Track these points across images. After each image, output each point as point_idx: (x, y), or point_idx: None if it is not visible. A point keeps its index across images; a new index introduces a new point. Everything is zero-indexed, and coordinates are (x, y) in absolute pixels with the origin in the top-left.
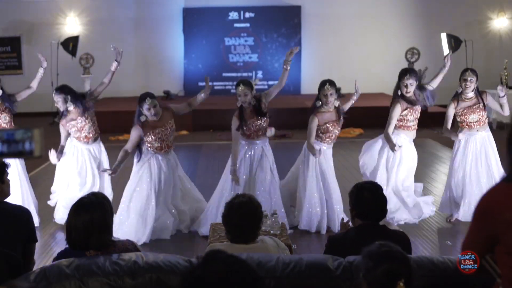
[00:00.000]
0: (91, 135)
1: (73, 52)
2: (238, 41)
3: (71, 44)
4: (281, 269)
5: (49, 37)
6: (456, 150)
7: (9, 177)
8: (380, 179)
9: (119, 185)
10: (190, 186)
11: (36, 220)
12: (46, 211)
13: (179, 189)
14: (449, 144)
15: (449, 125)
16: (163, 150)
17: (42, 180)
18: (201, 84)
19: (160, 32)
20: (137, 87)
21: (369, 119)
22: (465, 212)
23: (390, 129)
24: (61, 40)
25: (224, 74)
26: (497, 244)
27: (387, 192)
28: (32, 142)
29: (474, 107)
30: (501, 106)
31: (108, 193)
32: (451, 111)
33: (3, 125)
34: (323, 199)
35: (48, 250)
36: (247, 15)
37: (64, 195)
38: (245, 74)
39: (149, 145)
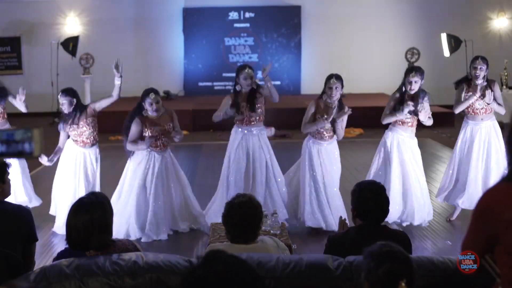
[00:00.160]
0: (89, 141)
1: (73, 52)
2: (238, 41)
3: (71, 44)
4: (281, 269)
5: (49, 37)
6: (461, 139)
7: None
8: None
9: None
10: (190, 195)
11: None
12: (46, 211)
13: (178, 189)
14: (449, 144)
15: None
16: (158, 147)
17: (42, 180)
18: (201, 84)
19: (160, 32)
20: (137, 87)
21: (369, 119)
22: (468, 201)
23: (384, 113)
24: (61, 40)
25: (224, 74)
26: (497, 244)
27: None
28: (32, 142)
29: (482, 94)
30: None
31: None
32: (463, 94)
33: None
34: (322, 195)
35: (48, 250)
36: (247, 15)
37: (60, 203)
38: None
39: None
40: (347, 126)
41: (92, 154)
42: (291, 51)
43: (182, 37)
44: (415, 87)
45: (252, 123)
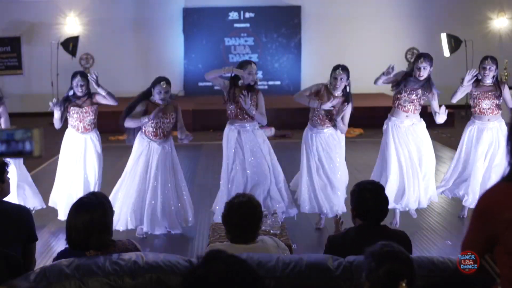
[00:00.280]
0: (90, 127)
1: (73, 52)
2: (238, 41)
3: (71, 44)
4: (281, 269)
5: (49, 37)
6: (467, 138)
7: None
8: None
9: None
10: (183, 195)
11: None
12: (46, 211)
13: (172, 185)
14: (449, 144)
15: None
16: (157, 136)
17: (42, 180)
18: (201, 84)
19: (160, 32)
20: (137, 87)
21: (369, 119)
22: (473, 200)
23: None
24: (61, 40)
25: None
26: (497, 244)
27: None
28: (31, 142)
29: (489, 93)
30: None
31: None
32: (467, 88)
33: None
34: (319, 182)
35: (48, 250)
36: (247, 15)
37: (62, 190)
38: None
39: (144, 128)
40: (348, 126)
41: (93, 137)
42: (291, 51)
43: (182, 37)
44: (424, 73)
45: (246, 119)
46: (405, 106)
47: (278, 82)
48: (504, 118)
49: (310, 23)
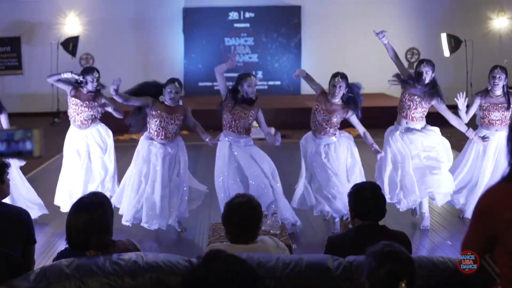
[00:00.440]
0: (86, 121)
1: (73, 52)
2: (238, 41)
3: (71, 44)
4: (281, 269)
5: (49, 37)
6: (475, 147)
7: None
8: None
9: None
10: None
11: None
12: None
13: (174, 187)
14: (450, 144)
15: (469, 112)
16: (159, 136)
17: (42, 180)
18: (201, 84)
19: (160, 32)
20: None
21: (369, 119)
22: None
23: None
24: (61, 40)
25: (224, 74)
26: (497, 244)
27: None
28: (31, 142)
29: (499, 105)
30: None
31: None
32: (477, 101)
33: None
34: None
35: (48, 250)
36: (247, 15)
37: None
38: None
39: (148, 125)
40: (347, 126)
41: (94, 132)
42: (291, 51)
43: (182, 37)
44: (426, 77)
45: (239, 133)
46: (403, 112)
47: (278, 82)
48: None
49: (310, 23)
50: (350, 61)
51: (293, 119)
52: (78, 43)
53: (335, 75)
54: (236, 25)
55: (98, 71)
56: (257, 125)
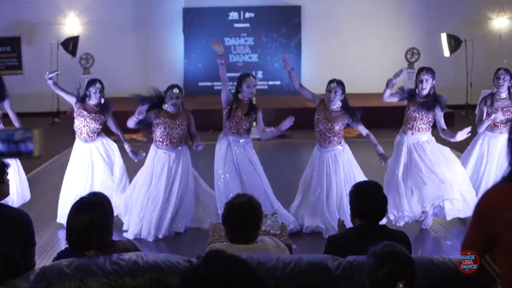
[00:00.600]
0: (92, 134)
1: (73, 52)
2: (238, 41)
3: (71, 44)
4: (281, 269)
5: (49, 37)
6: (479, 150)
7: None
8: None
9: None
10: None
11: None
12: (46, 211)
13: (179, 193)
14: (450, 145)
15: (482, 125)
16: (164, 143)
17: (42, 180)
18: (201, 84)
19: (160, 32)
20: (137, 87)
21: (369, 119)
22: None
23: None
24: (61, 40)
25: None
26: (497, 244)
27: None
28: (31, 142)
29: (505, 109)
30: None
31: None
32: (483, 107)
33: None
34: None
35: (48, 250)
36: (247, 15)
37: (65, 195)
38: None
39: (154, 134)
40: (347, 126)
41: (99, 146)
42: (291, 51)
43: (182, 37)
44: (426, 86)
45: (240, 134)
46: (409, 123)
47: (278, 82)
48: None
49: (310, 23)
50: (350, 61)
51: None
52: (78, 43)
53: (330, 81)
54: (236, 25)
55: (101, 83)
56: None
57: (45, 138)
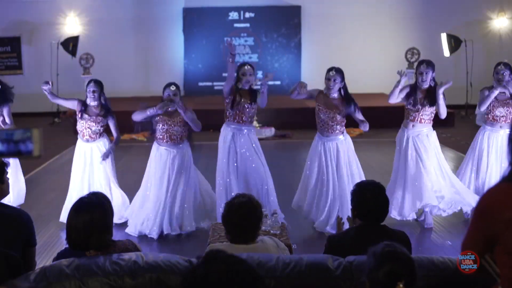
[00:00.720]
0: (94, 135)
1: (73, 52)
2: (238, 41)
3: (71, 44)
4: (281, 269)
5: (49, 37)
6: (479, 145)
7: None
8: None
9: (121, 184)
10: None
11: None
12: (46, 211)
13: (181, 190)
14: (450, 144)
15: (485, 102)
16: (164, 140)
17: (42, 180)
18: (201, 84)
19: (160, 32)
20: (137, 87)
21: (369, 119)
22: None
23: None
24: (61, 40)
25: (224, 74)
26: (497, 244)
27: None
28: (31, 142)
29: (504, 101)
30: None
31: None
32: (485, 91)
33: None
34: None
35: (48, 250)
36: (247, 15)
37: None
38: None
39: (156, 133)
40: (347, 126)
41: (100, 145)
42: (291, 51)
43: (182, 37)
44: (426, 78)
45: (244, 122)
46: (411, 115)
47: (278, 82)
48: None
49: (310, 23)
50: (350, 61)
51: (293, 119)
52: (78, 43)
53: (329, 69)
54: (236, 25)
55: (97, 82)
56: (258, 125)
57: (45, 138)
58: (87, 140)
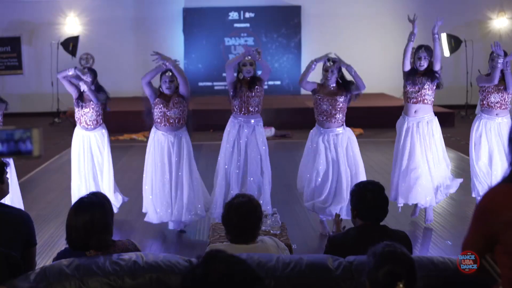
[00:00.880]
0: (90, 123)
1: (73, 52)
2: (238, 41)
3: (71, 44)
4: (281, 269)
5: (49, 37)
6: (474, 134)
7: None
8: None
9: (121, 184)
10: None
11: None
12: (46, 211)
13: (180, 178)
14: (450, 144)
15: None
16: (162, 123)
17: (42, 180)
18: (201, 84)
19: (160, 32)
20: (137, 87)
21: (369, 119)
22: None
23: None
24: (61, 40)
25: (224, 74)
26: (497, 244)
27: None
28: (31, 142)
29: (498, 87)
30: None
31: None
32: (482, 76)
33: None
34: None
35: (48, 250)
36: (247, 15)
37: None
38: None
39: (153, 114)
40: (347, 126)
41: (97, 135)
42: (291, 51)
43: (182, 37)
44: (424, 63)
45: (251, 113)
46: (413, 98)
47: (278, 82)
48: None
49: (310, 23)
50: (350, 61)
51: (293, 119)
52: (78, 43)
53: (327, 59)
54: (236, 25)
55: (90, 70)
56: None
57: (45, 138)
58: (85, 128)
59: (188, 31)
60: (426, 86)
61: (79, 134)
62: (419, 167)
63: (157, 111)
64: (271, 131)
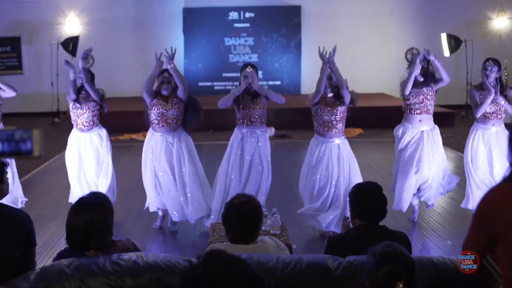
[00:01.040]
0: (87, 123)
1: (73, 52)
2: (238, 41)
3: (71, 44)
4: (281, 269)
5: (49, 37)
6: (471, 144)
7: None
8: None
9: (120, 184)
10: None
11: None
12: (45, 212)
13: (181, 178)
14: (449, 144)
15: (481, 107)
16: (160, 124)
17: (42, 180)
18: (201, 84)
19: (160, 32)
20: (137, 87)
21: (369, 119)
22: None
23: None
24: (61, 40)
25: (224, 74)
26: (498, 244)
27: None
28: (31, 142)
29: (494, 97)
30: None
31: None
32: (476, 94)
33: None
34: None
35: (48, 250)
36: (247, 15)
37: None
38: None
39: (150, 116)
40: (347, 126)
41: (94, 136)
42: (291, 51)
43: (182, 37)
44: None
45: (253, 124)
46: (417, 109)
47: (278, 82)
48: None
49: (310, 23)
50: (350, 61)
51: (293, 119)
52: (78, 43)
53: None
54: (236, 25)
55: (88, 72)
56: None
57: (45, 138)
58: (82, 130)
59: (188, 31)
60: (429, 97)
61: (75, 136)
62: (427, 175)
63: (155, 111)
64: (271, 131)
